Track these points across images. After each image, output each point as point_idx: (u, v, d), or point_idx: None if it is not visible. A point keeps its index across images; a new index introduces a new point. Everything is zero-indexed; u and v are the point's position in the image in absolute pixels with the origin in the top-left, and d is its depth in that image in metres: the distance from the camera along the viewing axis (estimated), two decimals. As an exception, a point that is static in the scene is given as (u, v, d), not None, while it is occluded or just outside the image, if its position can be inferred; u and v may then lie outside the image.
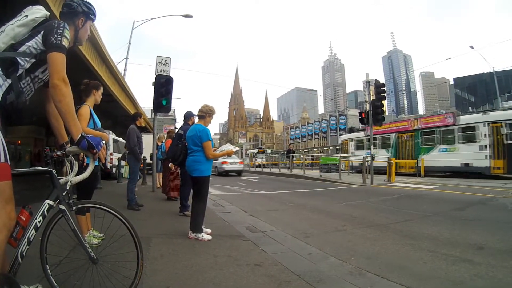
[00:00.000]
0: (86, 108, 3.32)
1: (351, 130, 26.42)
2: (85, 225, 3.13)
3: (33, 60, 1.69)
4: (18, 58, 1.64)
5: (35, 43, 1.69)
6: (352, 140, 22.73)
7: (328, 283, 2.51)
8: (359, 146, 21.58)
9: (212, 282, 2.45)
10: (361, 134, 21.66)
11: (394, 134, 18.84)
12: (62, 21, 1.77)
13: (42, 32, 1.70)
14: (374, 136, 19.03)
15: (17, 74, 1.65)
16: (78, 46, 2.04)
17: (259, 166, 27.74)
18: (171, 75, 9.28)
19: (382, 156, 16.23)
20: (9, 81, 1.61)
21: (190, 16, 20.36)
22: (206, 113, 4.10)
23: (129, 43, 21.71)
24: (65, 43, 1.70)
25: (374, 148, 18.95)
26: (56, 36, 1.67)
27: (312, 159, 30.53)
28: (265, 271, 2.71)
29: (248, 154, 42.05)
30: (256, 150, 48.82)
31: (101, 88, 3.58)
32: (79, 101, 3.18)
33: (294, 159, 23.50)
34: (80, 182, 1.87)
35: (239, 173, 19.82)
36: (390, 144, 18.92)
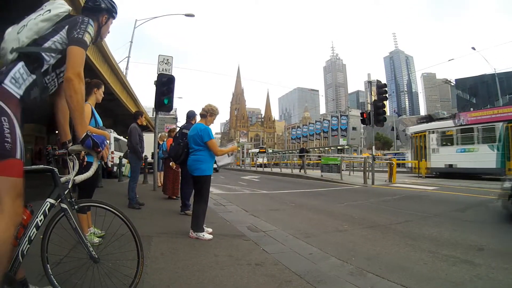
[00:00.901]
0: (88, 107, 3.33)
1: (430, 118, 18.81)
2: (85, 223, 3.14)
3: (59, 56, 1.68)
4: (43, 54, 1.63)
5: (60, 38, 1.68)
6: (433, 132, 16.26)
7: (328, 283, 2.51)
8: (446, 140, 15.61)
9: (213, 281, 2.46)
10: (449, 123, 15.82)
11: (501, 123, 13.45)
12: (87, 17, 1.77)
13: (66, 27, 1.69)
14: (470, 126, 14.48)
15: (42, 70, 1.64)
16: (98, 41, 2.03)
17: (260, 165, 27.36)
18: (172, 74, 9.30)
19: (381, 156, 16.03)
20: (33, 76, 1.61)
21: (192, 15, 20.37)
22: (208, 112, 4.09)
23: (131, 42, 21.78)
24: (87, 38, 1.70)
25: (471, 143, 14.41)
26: (79, 30, 1.67)
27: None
28: (265, 271, 2.71)
29: (249, 154, 41.60)
30: (257, 150, 47.92)
31: (102, 87, 3.59)
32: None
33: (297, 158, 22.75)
34: (82, 180, 1.87)
35: (216, 170, 23.41)
36: (496, 137, 13.57)
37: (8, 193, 1.46)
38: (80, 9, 2.00)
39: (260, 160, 29.49)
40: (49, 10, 1.70)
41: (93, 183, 3.42)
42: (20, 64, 1.57)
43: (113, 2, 1.99)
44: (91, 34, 1.72)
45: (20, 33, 1.62)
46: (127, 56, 21.91)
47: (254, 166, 28.08)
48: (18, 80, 1.56)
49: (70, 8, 1.81)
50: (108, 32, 2.04)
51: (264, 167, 26.13)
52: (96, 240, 3.09)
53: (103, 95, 3.61)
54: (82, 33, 1.67)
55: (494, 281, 2.58)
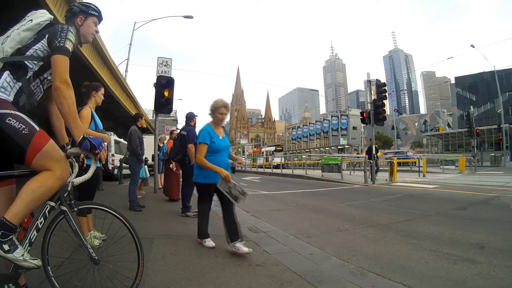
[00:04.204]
0: (88, 110, 3.33)
1: None
2: (85, 226, 3.14)
3: (41, 63, 1.73)
4: (26, 62, 1.69)
5: (41, 46, 1.72)
6: None
7: (329, 283, 2.51)
8: None
9: (214, 282, 2.46)
10: None
11: None
12: (66, 25, 1.80)
13: (47, 36, 1.73)
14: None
15: (27, 77, 1.70)
16: (82, 45, 2.06)
17: (277, 167, 23.12)
18: (172, 76, 9.31)
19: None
20: (19, 84, 1.67)
21: (191, 17, 20.42)
22: (211, 111, 3.59)
23: (130, 44, 21.79)
24: (69, 45, 1.73)
25: None
26: (60, 39, 1.71)
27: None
28: (266, 272, 2.71)
29: (263, 153, 36.44)
30: (272, 148, 40.85)
31: (102, 89, 3.58)
32: (80, 102, 3.19)
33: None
34: (82, 183, 1.88)
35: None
36: None
37: (50, 159, 1.64)
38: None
39: (277, 160, 25.28)
40: (31, 20, 1.75)
41: (94, 185, 3.41)
42: (6, 73, 1.63)
43: (88, 3, 2.00)
44: (72, 41, 1.77)
45: (4, 44, 1.67)
46: (127, 58, 21.95)
47: (268, 167, 23.78)
48: (7, 88, 1.62)
49: (52, 17, 1.85)
50: (96, 32, 2.05)
51: (283, 168, 22.20)
52: (97, 242, 3.10)
53: (103, 98, 3.61)
54: (64, 41, 1.71)
55: (496, 279, 2.58)
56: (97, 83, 3.63)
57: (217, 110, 3.51)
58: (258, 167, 25.31)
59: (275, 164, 23.86)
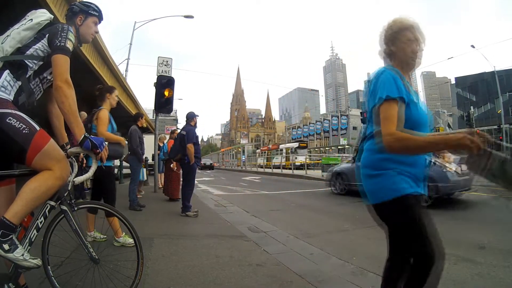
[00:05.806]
0: (105, 112, 3.34)
1: None
2: (92, 224, 3.14)
3: (41, 63, 1.73)
4: (26, 61, 1.69)
5: (41, 45, 1.72)
6: None
7: (330, 283, 2.51)
8: None
9: (214, 282, 2.46)
10: None
11: None
12: (66, 24, 1.80)
13: (47, 35, 1.73)
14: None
15: (26, 76, 1.69)
16: (82, 44, 2.05)
17: (301, 167, 19.44)
18: (172, 76, 9.31)
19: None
20: (19, 83, 1.67)
21: (191, 17, 20.38)
22: (389, 38, 1.67)
23: (130, 44, 21.72)
24: (69, 45, 1.73)
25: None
26: (60, 39, 1.70)
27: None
28: (267, 271, 2.71)
29: (282, 150, 31.37)
30: (295, 145, 32.60)
31: (115, 91, 3.60)
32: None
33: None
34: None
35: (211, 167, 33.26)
36: None
37: (50, 158, 1.63)
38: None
39: (301, 159, 21.04)
40: (31, 20, 1.75)
41: (111, 185, 3.39)
42: (6, 73, 1.63)
43: (89, 2, 1.99)
44: (72, 40, 1.76)
45: (4, 43, 1.67)
46: (127, 58, 21.89)
47: (289, 168, 20.22)
48: (7, 87, 1.62)
49: (52, 16, 1.84)
50: (96, 32, 2.03)
51: (307, 168, 17.86)
52: (101, 236, 3.01)
53: (117, 99, 3.62)
54: (64, 41, 1.71)
55: (496, 279, 2.58)
56: (110, 86, 3.66)
57: (400, 34, 1.63)
58: (274, 168, 22.97)
59: (298, 164, 20.37)
